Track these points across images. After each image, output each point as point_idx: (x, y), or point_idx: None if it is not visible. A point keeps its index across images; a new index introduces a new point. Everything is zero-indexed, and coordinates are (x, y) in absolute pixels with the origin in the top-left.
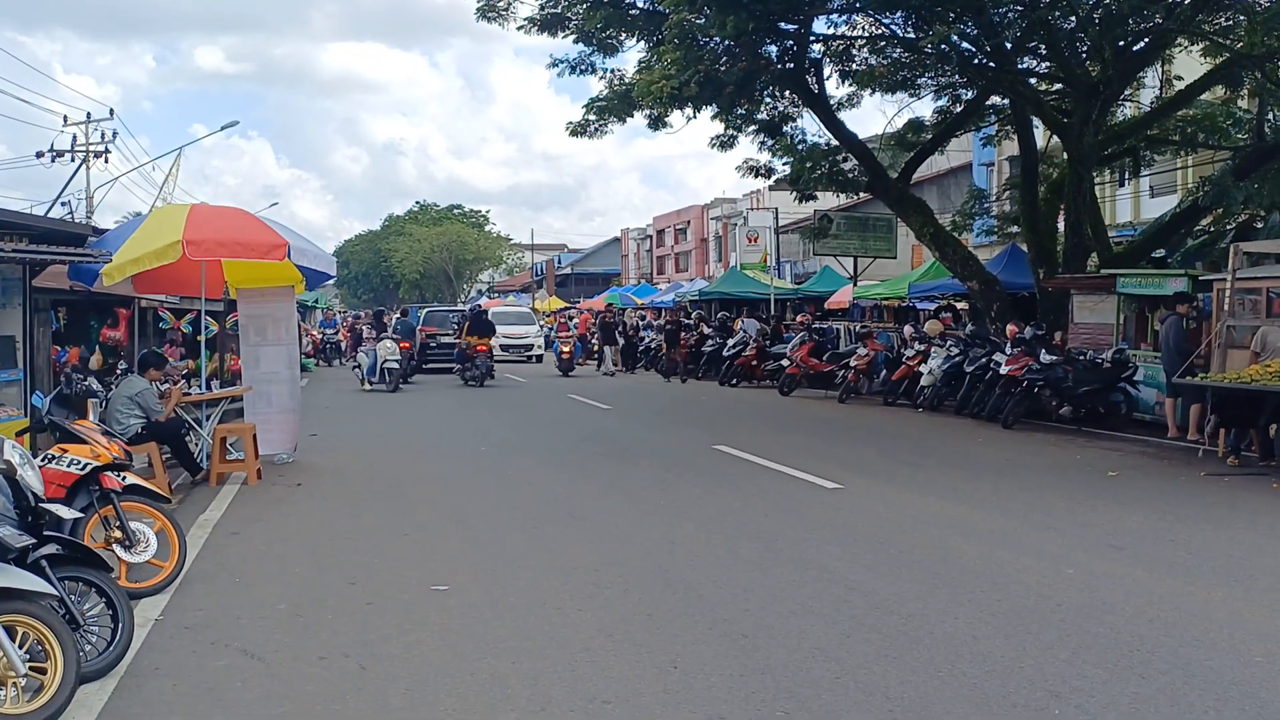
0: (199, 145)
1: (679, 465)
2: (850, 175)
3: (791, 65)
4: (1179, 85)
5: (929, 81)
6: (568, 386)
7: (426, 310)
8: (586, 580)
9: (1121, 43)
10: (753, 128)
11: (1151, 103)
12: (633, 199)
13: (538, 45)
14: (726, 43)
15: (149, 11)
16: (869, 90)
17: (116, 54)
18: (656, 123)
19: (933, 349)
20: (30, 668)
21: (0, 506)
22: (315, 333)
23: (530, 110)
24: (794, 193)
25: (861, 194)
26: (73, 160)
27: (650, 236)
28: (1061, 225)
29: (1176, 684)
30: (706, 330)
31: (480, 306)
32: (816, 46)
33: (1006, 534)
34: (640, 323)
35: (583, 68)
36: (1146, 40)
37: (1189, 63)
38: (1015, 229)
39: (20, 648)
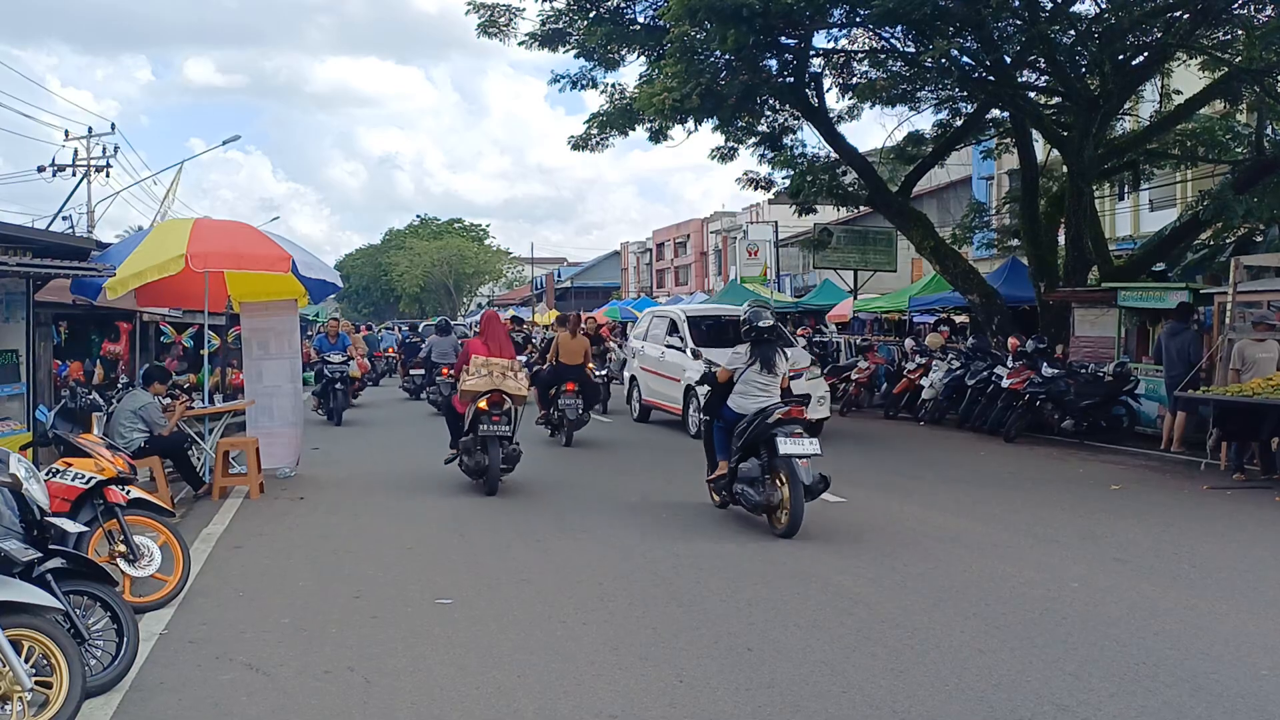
0: (197, 159)
1: (681, 478)
2: (850, 188)
3: (791, 79)
4: (1178, 99)
5: (929, 95)
6: None
7: (424, 324)
8: (590, 593)
9: (1121, 57)
10: (753, 140)
11: (1151, 116)
12: (630, 212)
13: (533, 59)
14: (727, 56)
15: (144, 25)
16: (869, 103)
17: (113, 68)
18: (657, 135)
19: (934, 362)
20: (36, 682)
21: (6, 520)
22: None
23: (526, 124)
24: (794, 206)
25: (861, 207)
26: (74, 175)
27: (650, 250)
28: (1062, 239)
29: (1183, 697)
30: None
31: (446, 321)
32: (816, 60)
33: (1010, 547)
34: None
35: (584, 82)
36: (1146, 54)
37: (1188, 77)
38: (1015, 242)
39: (26, 662)
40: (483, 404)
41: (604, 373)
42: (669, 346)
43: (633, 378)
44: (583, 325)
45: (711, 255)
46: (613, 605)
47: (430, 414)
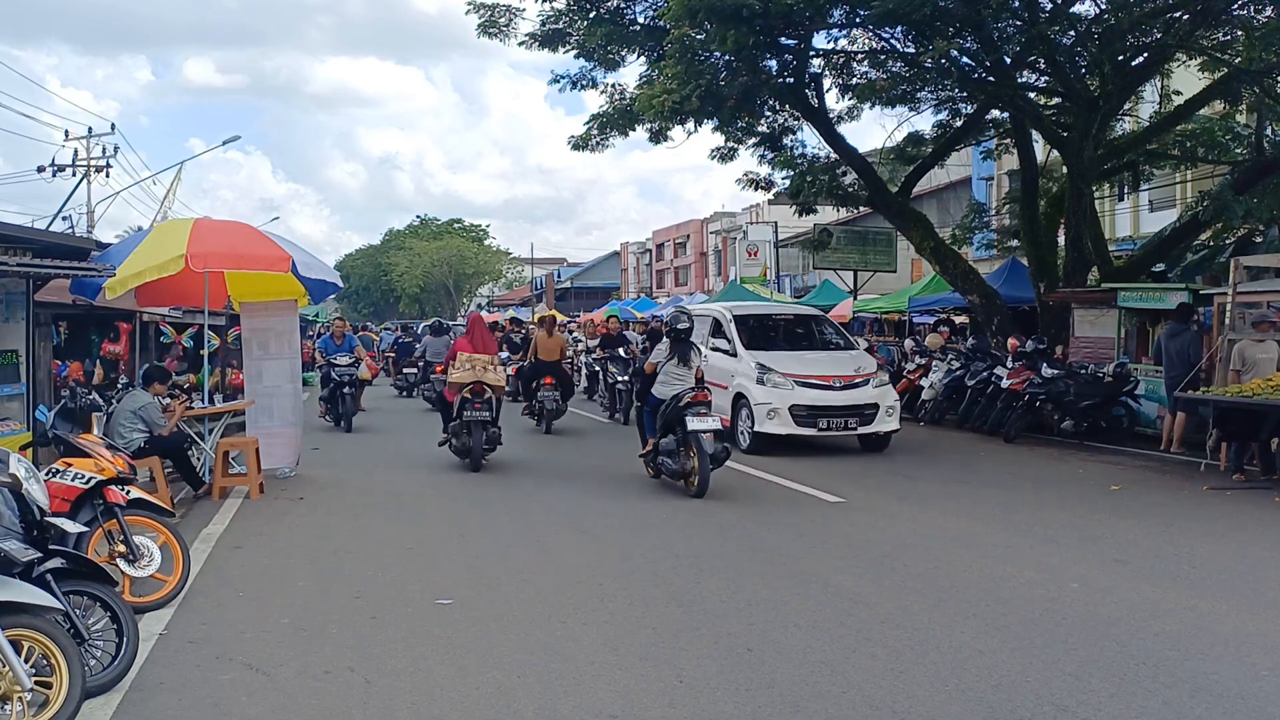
0: (197, 160)
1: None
2: (850, 189)
3: (791, 79)
4: (1178, 100)
5: (929, 95)
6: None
7: (422, 325)
8: (590, 594)
9: (1121, 57)
10: (753, 140)
11: (1150, 117)
12: (629, 212)
13: (533, 60)
14: (727, 57)
15: (144, 25)
16: (869, 104)
17: (112, 68)
18: (658, 136)
19: (934, 363)
20: (36, 682)
21: (6, 520)
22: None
23: (526, 124)
24: (794, 206)
25: (861, 208)
26: (74, 175)
27: (650, 250)
28: (1061, 239)
29: (1183, 698)
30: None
31: (440, 322)
32: (816, 61)
33: (1010, 548)
34: None
35: (584, 83)
36: (1145, 55)
37: (1187, 77)
38: (1015, 243)
39: (26, 662)
40: (467, 393)
41: (626, 378)
42: (713, 349)
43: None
44: (605, 328)
45: (711, 256)
46: (613, 605)
47: (424, 410)
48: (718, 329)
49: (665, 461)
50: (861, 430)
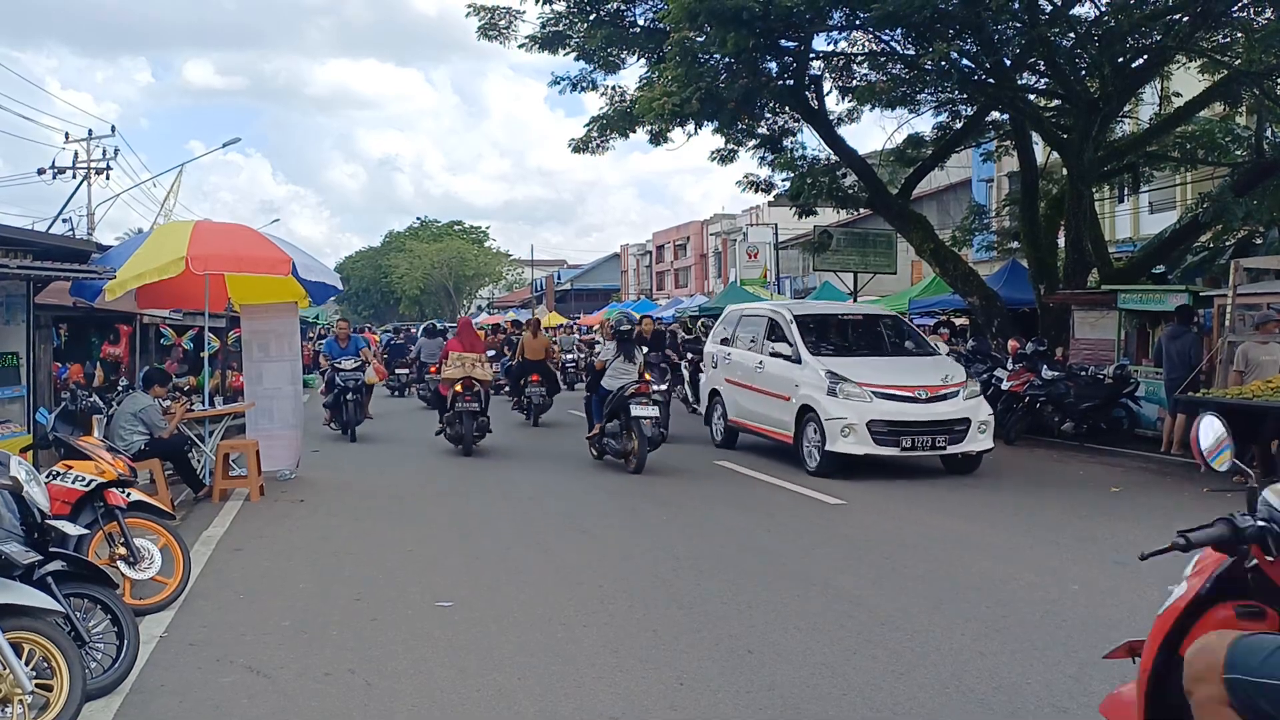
0: (196, 162)
1: (682, 481)
2: (850, 191)
3: (792, 82)
4: (1178, 102)
5: (929, 97)
6: (570, 399)
7: (422, 327)
8: (591, 596)
9: (1120, 59)
10: (753, 142)
11: (1150, 119)
12: (629, 214)
13: (533, 62)
14: (727, 60)
15: (144, 26)
16: (869, 106)
17: (112, 70)
18: (658, 138)
19: None
20: (36, 684)
21: (6, 523)
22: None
23: (526, 126)
24: (794, 208)
25: (861, 209)
26: (74, 177)
27: (650, 252)
28: (1061, 241)
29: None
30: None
31: (434, 325)
32: (816, 63)
33: (1011, 549)
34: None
35: (584, 85)
36: (1145, 57)
37: (1188, 79)
38: (1015, 245)
39: (26, 664)
40: (458, 387)
41: (663, 386)
42: (771, 354)
43: (714, 392)
44: (639, 327)
45: (711, 257)
46: (613, 607)
47: (419, 408)
48: (775, 332)
49: (609, 442)
50: (951, 449)
